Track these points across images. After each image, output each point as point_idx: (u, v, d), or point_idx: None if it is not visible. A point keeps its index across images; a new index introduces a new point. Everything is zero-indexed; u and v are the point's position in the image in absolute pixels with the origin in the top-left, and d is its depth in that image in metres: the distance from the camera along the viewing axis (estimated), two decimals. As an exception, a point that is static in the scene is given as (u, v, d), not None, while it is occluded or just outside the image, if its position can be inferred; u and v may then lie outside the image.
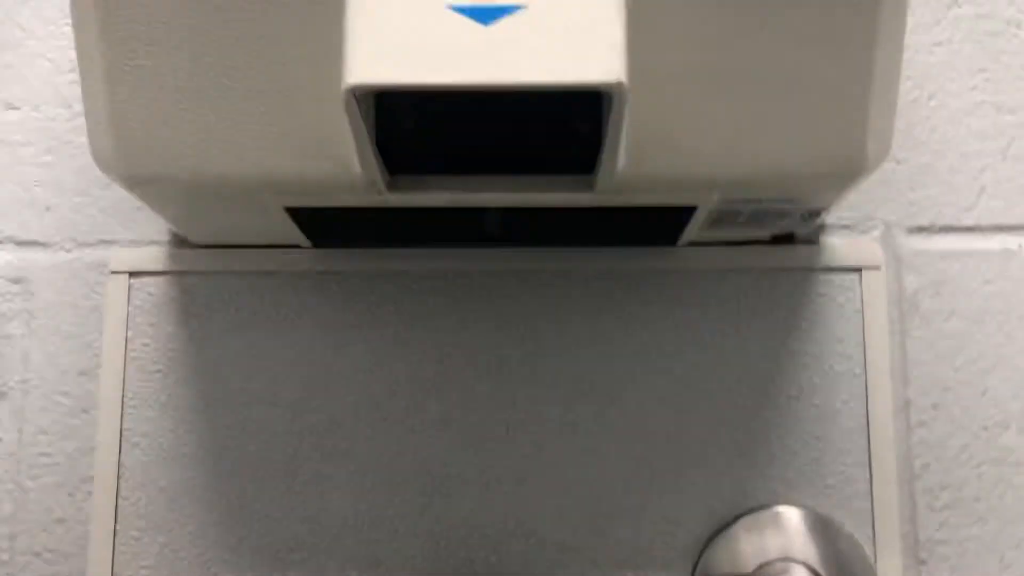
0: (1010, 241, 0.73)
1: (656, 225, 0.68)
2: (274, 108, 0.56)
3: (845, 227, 0.74)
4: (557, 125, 0.58)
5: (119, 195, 0.74)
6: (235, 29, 0.55)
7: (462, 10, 0.49)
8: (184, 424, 0.72)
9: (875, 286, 0.72)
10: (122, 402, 0.72)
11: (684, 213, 0.63)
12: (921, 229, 0.74)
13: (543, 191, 0.60)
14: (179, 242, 0.74)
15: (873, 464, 0.70)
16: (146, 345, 0.73)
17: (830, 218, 0.73)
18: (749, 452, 0.70)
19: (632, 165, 0.57)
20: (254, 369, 0.72)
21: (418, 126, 0.59)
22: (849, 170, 0.58)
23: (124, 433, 0.71)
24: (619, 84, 0.48)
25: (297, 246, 0.73)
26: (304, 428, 0.72)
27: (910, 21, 0.74)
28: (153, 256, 0.74)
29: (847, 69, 0.55)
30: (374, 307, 0.72)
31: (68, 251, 0.74)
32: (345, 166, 0.58)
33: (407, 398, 0.72)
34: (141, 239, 0.75)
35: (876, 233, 0.73)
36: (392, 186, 0.60)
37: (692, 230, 0.68)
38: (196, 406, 0.72)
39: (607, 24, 0.49)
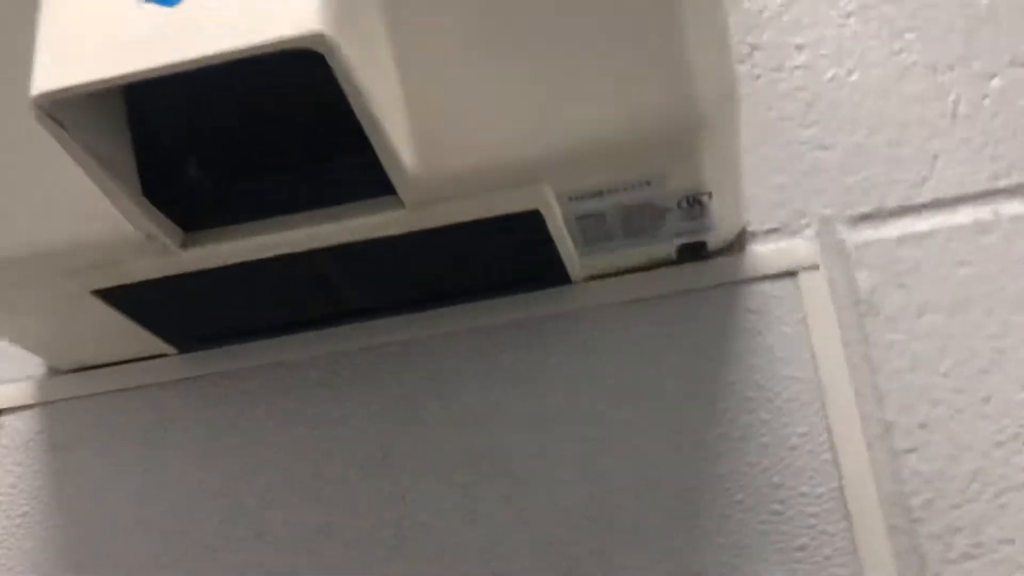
0: (982, 211, 0.58)
1: (529, 259, 0.58)
2: (30, 168, 0.51)
3: (772, 231, 0.61)
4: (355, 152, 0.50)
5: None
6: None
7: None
8: (47, 567, 0.63)
9: (816, 289, 0.58)
10: (-13, 555, 0.64)
11: (535, 227, 0.53)
12: (866, 217, 0.60)
13: (351, 218, 0.52)
14: (51, 372, 0.69)
15: (852, 510, 0.53)
16: (13, 487, 0.66)
17: (752, 225, 0.61)
18: (691, 519, 0.55)
19: (425, 161, 0.48)
20: (122, 495, 0.64)
21: (212, 175, 0.53)
22: (681, 121, 0.48)
23: (-13, 589, 0.63)
24: (319, 35, 0.41)
25: (164, 355, 0.66)
26: (174, 554, 0.62)
27: (816, -1, 0.65)
28: (20, 391, 0.68)
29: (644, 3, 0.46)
30: (245, 408, 0.64)
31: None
32: (117, 225, 0.52)
33: (284, 508, 0.61)
34: (17, 376, 0.70)
35: (810, 231, 0.60)
36: (186, 242, 0.54)
37: (570, 255, 0.57)
38: (63, 550, 0.63)
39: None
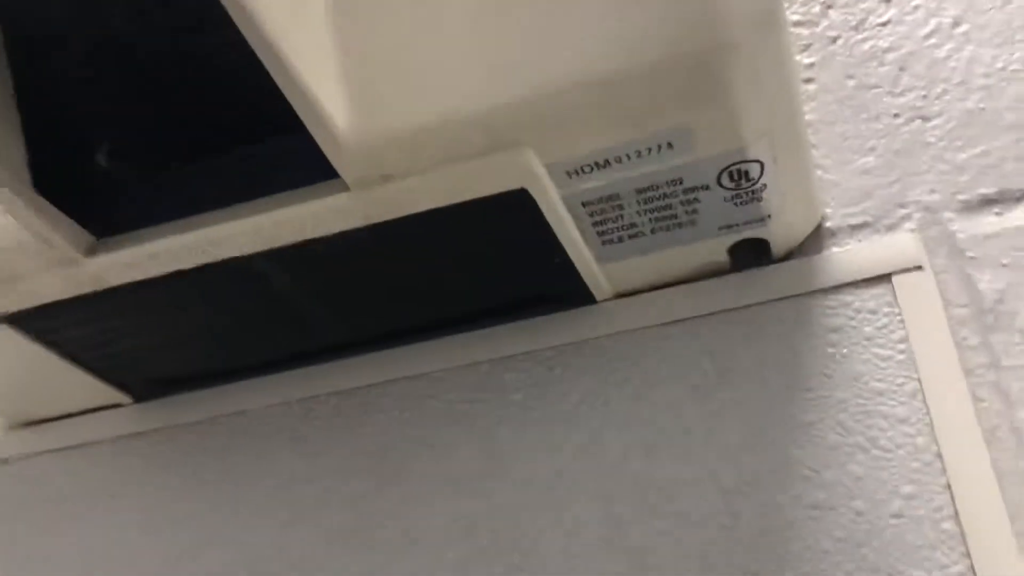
0: None
1: (532, 269, 0.45)
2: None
3: (860, 227, 0.46)
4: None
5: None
6: None
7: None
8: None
9: (922, 296, 0.43)
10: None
11: (526, 216, 0.40)
12: (986, 202, 0.45)
13: (287, 206, 0.40)
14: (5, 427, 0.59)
15: (989, 606, 0.37)
16: (-56, 563, 0.56)
17: (833, 220, 0.47)
18: (757, 614, 0.40)
19: (365, 125, 0.36)
20: (63, 567, 0.52)
21: (126, 166, 0.43)
22: (701, 45, 0.34)
23: None
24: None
25: (118, 405, 0.56)
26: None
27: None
28: (-35, 450, 0.59)
29: None
30: (201, 469, 0.52)
31: None
32: (9, 230, 0.41)
33: (239, 591, 0.49)
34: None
35: (911, 223, 0.45)
36: (93, 249, 0.43)
37: (584, 259, 0.44)
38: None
39: None
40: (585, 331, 0.47)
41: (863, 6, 0.51)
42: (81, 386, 0.53)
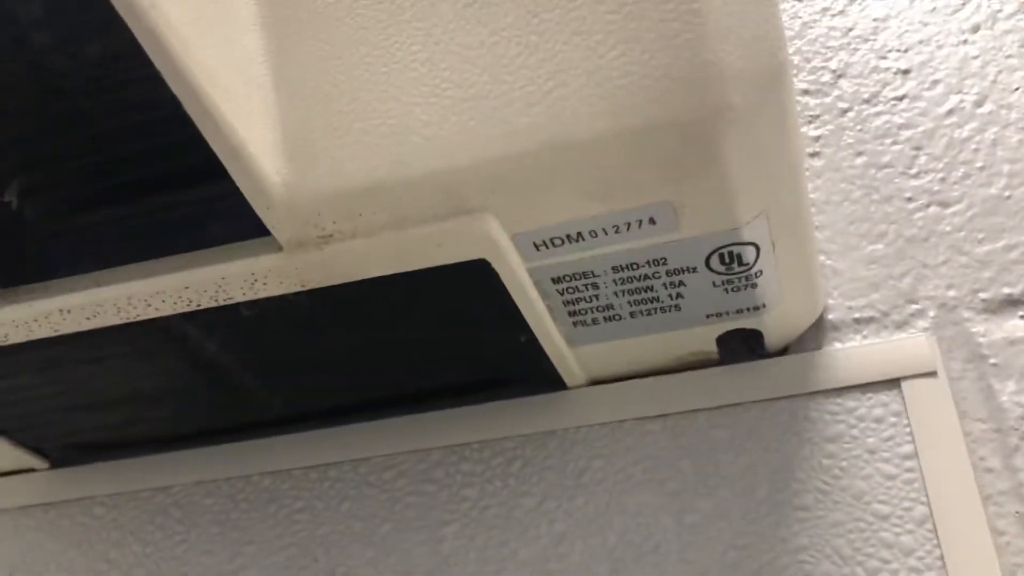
0: None
1: (495, 348, 0.40)
2: None
3: (865, 321, 0.41)
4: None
5: None
6: None
7: None
8: None
9: (935, 406, 0.37)
10: None
11: (487, 290, 0.35)
12: (1011, 302, 0.40)
13: (212, 264, 0.35)
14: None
15: None
16: None
17: (835, 312, 0.41)
18: None
19: (302, 181, 0.32)
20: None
21: (37, 208, 0.38)
22: (693, 111, 0.29)
23: None
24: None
25: (32, 470, 0.50)
26: None
27: None
28: None
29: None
30: (118, 545, 0.46)
31: None
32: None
33: None
34: None
35: (924, 322, 0.40)
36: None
37: (552, 341, 0.39)
38: None
39: None
40: (551, 421, 0.42)
41: (878, 77, 0.47)
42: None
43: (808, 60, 0.48)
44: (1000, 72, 0.45)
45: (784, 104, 0.31)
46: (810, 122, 0.47)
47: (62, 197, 0.37)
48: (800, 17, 0.49)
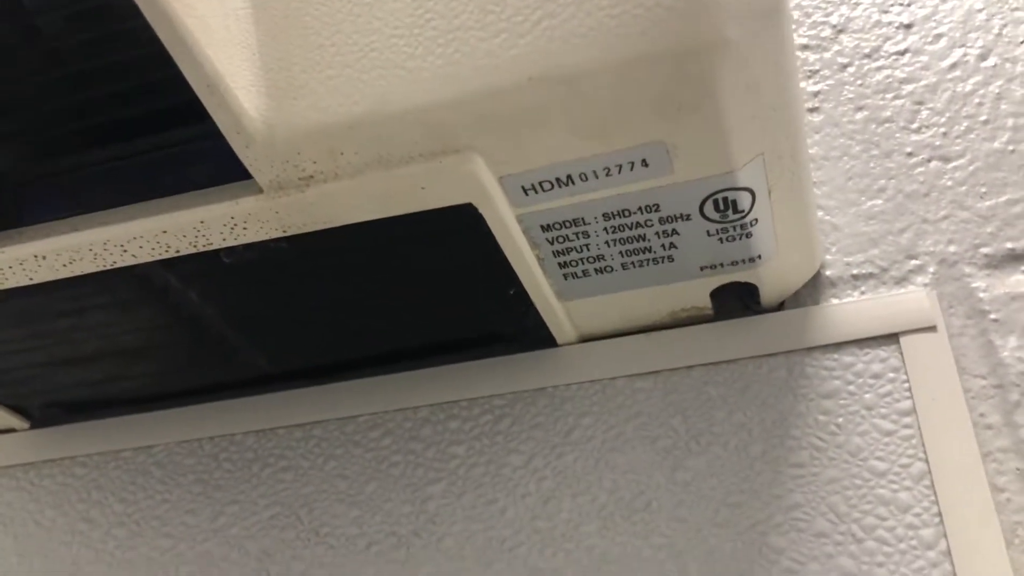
0: None
1: (481, 301, 0.39)
2: None
3: (864, 277, 0.40)
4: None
5: None
6: None
7: None
8: None
9: (934, 361, 0.36)
10: None
11: (473, 236, 0.34)
12: (1012, 257, 0.39)
13: (191, 207, 0.34)
14: None
15: None
16: None
17: (834, 268, 0.40)
18: None
19: (282, 120, 0.30)
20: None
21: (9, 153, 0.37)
22: (684, 41, 0.28)
23: None
24: None
25: (12, 430, 0.49)
26: None
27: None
28: None
29: None
30: (96, 508, 0.45)
31: None
32: None
33: (120, 659, 0.42)
34: None
35: (924, 277, 0.39)
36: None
37: (541, 294, 0.38)
38: None
39: None
40: (541, 378, 0.41)
41: (879, 32, 0.46)
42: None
43: (808, 15, 0.47)
44: (1006, 25, 0.44)
45: (782, 38, 0.30)
46: (809, 77, 0.45)
47: (37, 142, 0.36)
48: (800, -30, 0.48)
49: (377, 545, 0.40)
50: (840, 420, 0.36)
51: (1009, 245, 0.39)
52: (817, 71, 0.46)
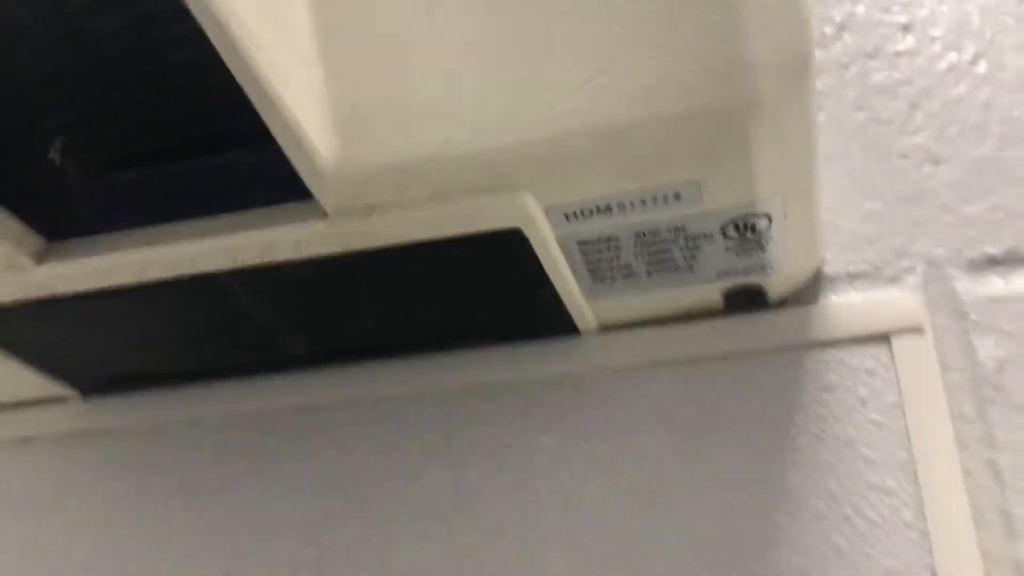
0: None
1: (516, 299, 0.43)
2: None
3: (859, 276, 0.44)
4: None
5: None
6: None
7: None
8: None
9: (920, 360, 0.41)
10: None
11: (518, 254, 0.37)
12: (993, 261, 0.43)
13: (259, 228, 0.37)
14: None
15: None
16: None
17: (831, 266, 0.44)
18: None
19: (352, 154, 0.33)
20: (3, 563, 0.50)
21: (81, 164, 0.39)
22: (725, 103, 0.31)
23: None
24: None
25: (63, 399, 0.52)
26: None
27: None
28: None
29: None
30: (149, 478, 0.49)
31: None
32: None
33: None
34: None
35: (914, 278, 0.43)
36: (44, 255, 0.39)
37: (572, 295, 0.41)
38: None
39: None
40: (567, 364, 0.45)
41: (881, 31, 0.49)
42: (18, 377, 0.50)
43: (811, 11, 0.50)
44: (996, 32, 0.47)
45: (808, 92, 0.33)
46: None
47: (105, 156, 0.38)
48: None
49: (416, 518, 0.44)
50: (837, 412, 0.41)
51: (989, 250, 0.43)
52: (820, 71, 0.48)
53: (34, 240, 0.39)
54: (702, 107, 0.31)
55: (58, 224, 0.39)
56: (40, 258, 0.39)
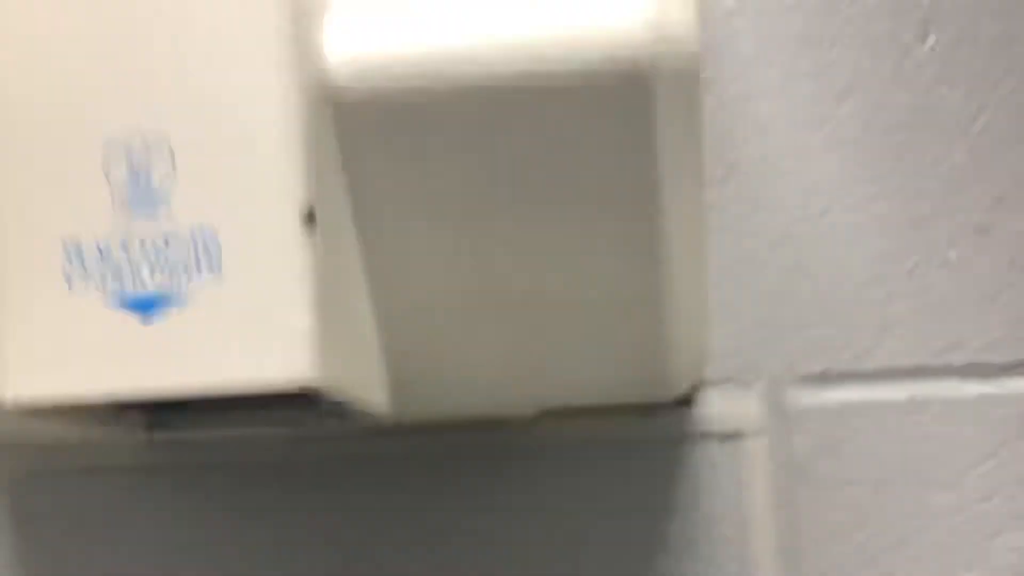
0: (920, 388, 0.62)
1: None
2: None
3: (727, 381, 0.63)
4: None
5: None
6: None
7: (125, 305, 0.40)
8: None
9: (757, 454, 0.62)
10: None
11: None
12: (812, 379, 0.63)
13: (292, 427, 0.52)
14: None
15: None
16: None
17: (713, 369, 0.63)
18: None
19: (399, 409, 0.48)
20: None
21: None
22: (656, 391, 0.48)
23: None
24: (310, 383, 0.39)
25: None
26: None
27: (796, 115, 0.63)
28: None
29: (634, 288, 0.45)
30: (218, 508, 0.64)
31: None
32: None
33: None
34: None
35: (759, 388, 0.63)
36: (153, 442, 0.53)
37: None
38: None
39: (292, 311, 0.39)
40: (512, 441, 0.63)
41: (758, 178, 0.63)
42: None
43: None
44: (843, 185, 0.63)
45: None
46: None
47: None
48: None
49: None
50: (701, 484, 0.62)
51: (812, 370, 0.62)
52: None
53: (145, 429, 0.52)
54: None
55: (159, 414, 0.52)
56: (148, 442, 0.52)
